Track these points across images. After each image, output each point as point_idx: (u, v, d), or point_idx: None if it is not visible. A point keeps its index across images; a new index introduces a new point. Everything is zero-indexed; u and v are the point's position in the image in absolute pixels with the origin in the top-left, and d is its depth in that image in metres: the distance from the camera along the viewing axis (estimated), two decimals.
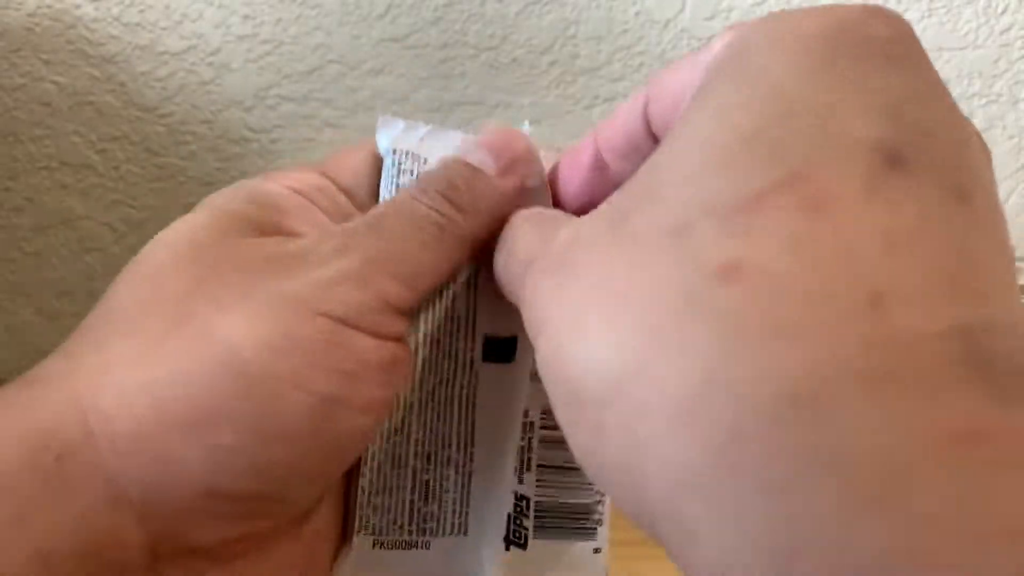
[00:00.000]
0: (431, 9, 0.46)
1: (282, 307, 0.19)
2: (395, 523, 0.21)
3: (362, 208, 0.23)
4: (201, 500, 0.18)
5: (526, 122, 0.24)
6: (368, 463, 0.22)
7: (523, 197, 0.21)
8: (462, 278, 0.22)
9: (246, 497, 0.18)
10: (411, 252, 0.20)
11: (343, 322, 0.19)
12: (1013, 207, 0.50)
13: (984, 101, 0.49)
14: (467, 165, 0.22)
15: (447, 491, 0.22)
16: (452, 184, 0.21)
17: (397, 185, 0.22)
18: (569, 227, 0.17)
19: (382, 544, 0.21)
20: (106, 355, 0.18)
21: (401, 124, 0.23)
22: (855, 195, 0.12)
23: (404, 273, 0.20)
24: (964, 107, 0.49)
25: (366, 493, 0.21)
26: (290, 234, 0.21)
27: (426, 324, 0.21)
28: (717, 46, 0.16)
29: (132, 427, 0.17)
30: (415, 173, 0.22)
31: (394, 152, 0.23)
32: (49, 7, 0.45)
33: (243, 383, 0.18)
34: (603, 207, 0.16)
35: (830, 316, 0.11)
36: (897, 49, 0.14)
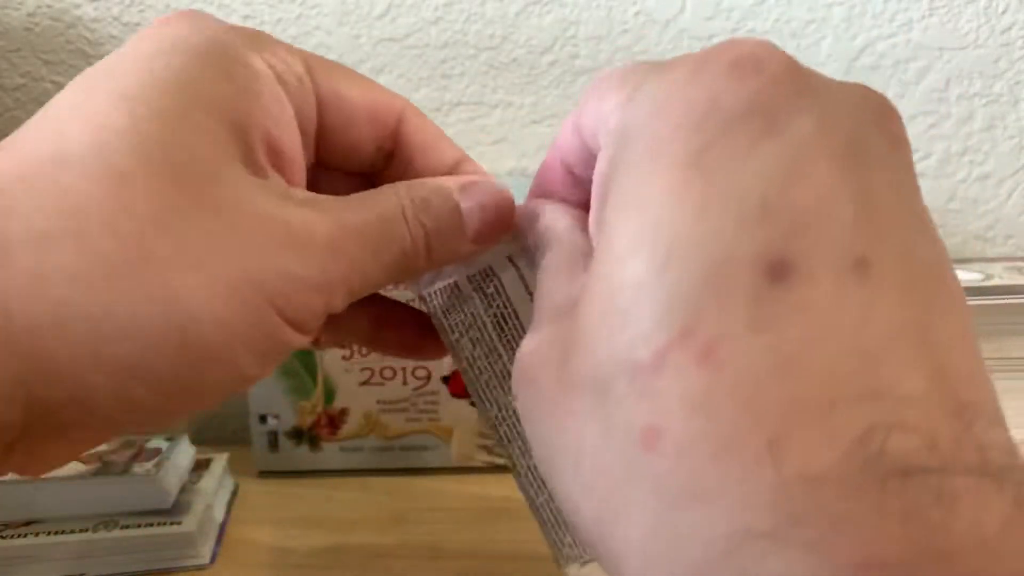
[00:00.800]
0: (431, 9, 0.46)
1: (241, 288, 0.19)
2: (575, 549, 0.24)
3: (323, 130, 0.23)
4: (94, 419, 0.18)
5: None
6: (539, 514, 0.24)
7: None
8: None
9: (140, 423, 0.19)
10: (373, 271, 0.21)
11: (287, 320, 0.20)
12: (1013, 207, 0.50)
13: (985, 101, 0.49)
14: (457, 212, 0.23)
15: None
16: (438, 223, 0.22)
17: None
18: (533, 344, 0.18)
19: (587, 562, 0.24)
20: (45, 262, 0.17)
21: None
22: (741, 331, 0.13)
23: (357, 290, 0.21)
24: (964, 107, 0.48)
25: (551, 531, 0.24)
26: (264, 140, 0.20)
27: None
28: (610, 122, 0.17)
29: (61, 358, 0.17)
30: None
31: None
32: (49, 7, 0.45)
33: (177, 347, 0.18)
34: (555, 330, 0.17)
35: (736, 474, 0.12)
36: (762, 111, 0.14)
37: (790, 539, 0.12)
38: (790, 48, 0.47)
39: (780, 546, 0.12)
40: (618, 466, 0.14)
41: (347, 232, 0.21)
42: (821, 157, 0.14)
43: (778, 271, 0.13)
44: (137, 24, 0.46)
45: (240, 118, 0.20)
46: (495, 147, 0.48)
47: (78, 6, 0.45)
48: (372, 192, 0.22)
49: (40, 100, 0.47)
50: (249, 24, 0.46)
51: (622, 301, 0.14)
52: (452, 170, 0.25)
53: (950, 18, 0.47)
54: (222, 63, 0.20)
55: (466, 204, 0.23)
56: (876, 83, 0.48)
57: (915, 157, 0.52)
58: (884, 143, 0.15)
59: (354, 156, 0.24)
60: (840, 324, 0.13)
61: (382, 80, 0.47)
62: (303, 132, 0.22)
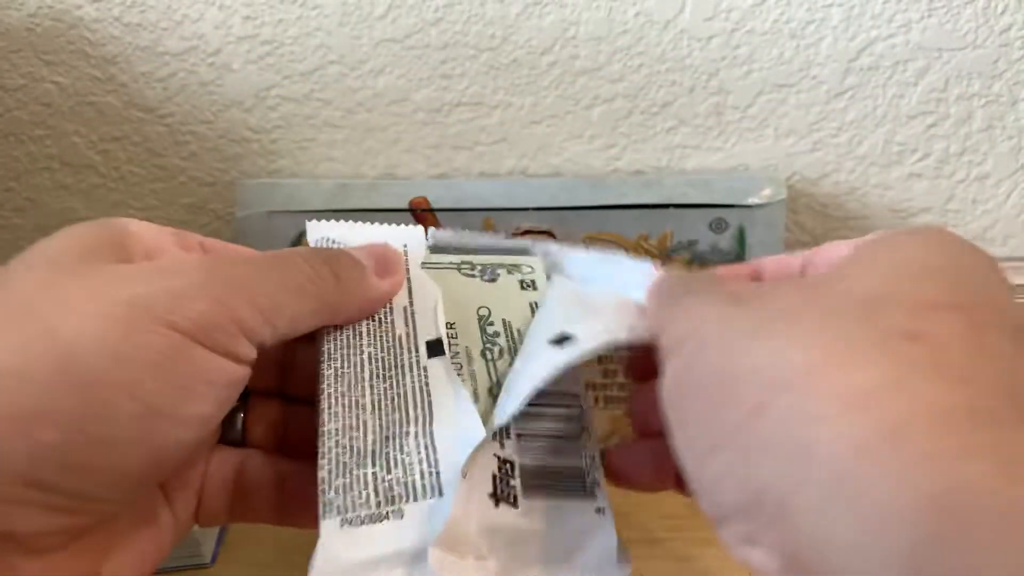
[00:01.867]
0: (431, 10, 0.46)
1: (129, 313, 0.19)
2: (360, 498, 0.21)
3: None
4: (21, 489, 0.18)
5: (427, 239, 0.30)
6: (325, 457, 0.22)
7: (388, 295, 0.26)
8: (399, 311, 0.26)
9: (66, 492, 0.19)
10: (275, 290, 0.21)
11: (190, 336, 0.19)
12: (1013, 207, 0.51)
13: (984, 101, 0.49)
14: (351, 255, 0.25)
15: (410, 459, 0.22)
16: (335, 257, 0.24)
17: None
18: (748, 284, 0.20)
19: (350, 522, 0.21)
20: None
21: (329, 223, 0.30)
22: (1007, 333, 0.16)
23: (263, 306, 0.21)
24: (963, 107, 0.49)
25: (325, 482, 0.22)
26: (146, 259, 0.23)
27: (371, 346, 0.25)
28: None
29: None
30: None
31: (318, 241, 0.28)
32: (50, 7, 0.45)
33: (77, 386, 0.18)
34: (779, 283, 0.19)
35: (983, 381, 0.15)
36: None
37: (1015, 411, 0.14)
38: (789, 48, 0.47)
39: (1005, 412, 0.14)
40: (865, 337, 0.16)
41: (233, 259, 0.22)
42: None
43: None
44: (138, 25, 0.46)
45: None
46: (495, 147, 0.49)
47: (79, 7, 0.45)
48: None
49: (41, 100, 0.47)
50: (249, 25, 0.46)
51: (906, 273, 0.18)
52: None
53: (949, 19, 0.47)
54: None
55: (357, 252, 0.25)
56: (875, 83, 0.48)
57: (914, 158, 0.52)
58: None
59: None
60: None
61: (382, 80, 0.47)
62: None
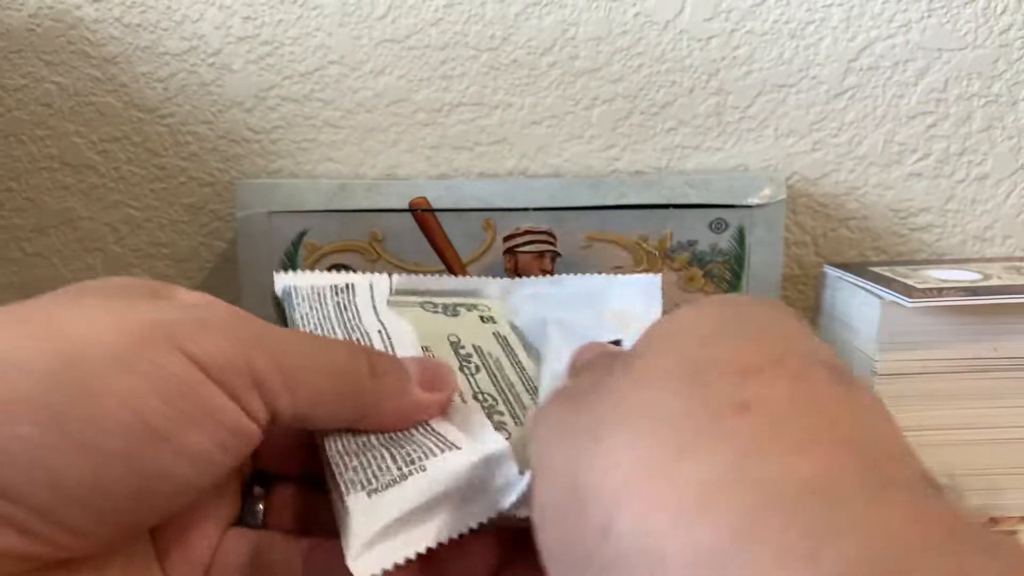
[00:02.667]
0: (431, 10, 0.46)
1: (147, 332, 0.18)
2: (379, 470, 0.22)
3: None
4: None
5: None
6: (334, 459, 0.22)
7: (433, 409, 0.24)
8: (374, 333, 0.26)
9: (30, 504, 0.16)
10: (302, 359, 0.21)
11: (203, 368, 0.18)
12: (1013, 207, 0.51)
13: (983, 101, 0.49)
14: (397, 361, 0.24)
15: (422, 441, 0.23)
16: (377, 355, 0.23)
17: (302, 315, 0.27)
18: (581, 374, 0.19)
19: (376, 490, 0.21)
20: None
21: (293, 273, 0.29)
22: (826, 376, 0.16)
23: (285, 367, 0.20)
24: (963, 107, 0.49)
25: (340, 466, 0.22)
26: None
27: None
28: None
29: None
30: (315, 309, 0.27)
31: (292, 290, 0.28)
32: (50, 8, 0.45)
33: (70, 381, 0.17)
34: (617, 361, 0.18)
35: (825, 440, 0.14)
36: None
37: (878, 491, 0.13)
38: (789, 49, 0.47)
39: (869, 490, 0.13)
40: (695, 422, 0.15)
41: (270, 324, 0.21)
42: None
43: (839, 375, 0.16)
44: (138, 25, 0.46)
45: None
46: (495, 147, 0.49)
47: (79, 7, 0.46)
48: None
49: (41, 101, 0.47)
50: (250, 25, 0.46)
51: (721, 327, 0.18)
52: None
53: (949, 19, 0.47)
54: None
55: (406, 361, 0.24)
56: (874, 83, 0.48)
57: (914, 158, 0.52)
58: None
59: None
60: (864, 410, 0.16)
61: (382, 81, 0.47)
62: None
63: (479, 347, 0.28)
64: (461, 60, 0.47)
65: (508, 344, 0.29)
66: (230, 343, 0.19)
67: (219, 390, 0.19)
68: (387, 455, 0.22)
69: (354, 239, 0.44)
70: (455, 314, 0.30)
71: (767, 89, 0.48)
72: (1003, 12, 0.47)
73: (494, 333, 0.29)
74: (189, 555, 0.22)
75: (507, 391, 0.26)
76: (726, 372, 0.16)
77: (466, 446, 0.22)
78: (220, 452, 0.19)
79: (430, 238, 0.44)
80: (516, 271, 0.45)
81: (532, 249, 0.45)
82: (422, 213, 0.44)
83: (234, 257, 0.47)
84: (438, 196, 0.44)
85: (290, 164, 0.49)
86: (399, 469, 0.21)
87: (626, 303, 0.30)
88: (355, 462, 0.22)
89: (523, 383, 0.27)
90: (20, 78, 0.46)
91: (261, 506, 0.24)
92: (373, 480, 0.21)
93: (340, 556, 0.20)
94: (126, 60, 0.47)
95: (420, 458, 0.22)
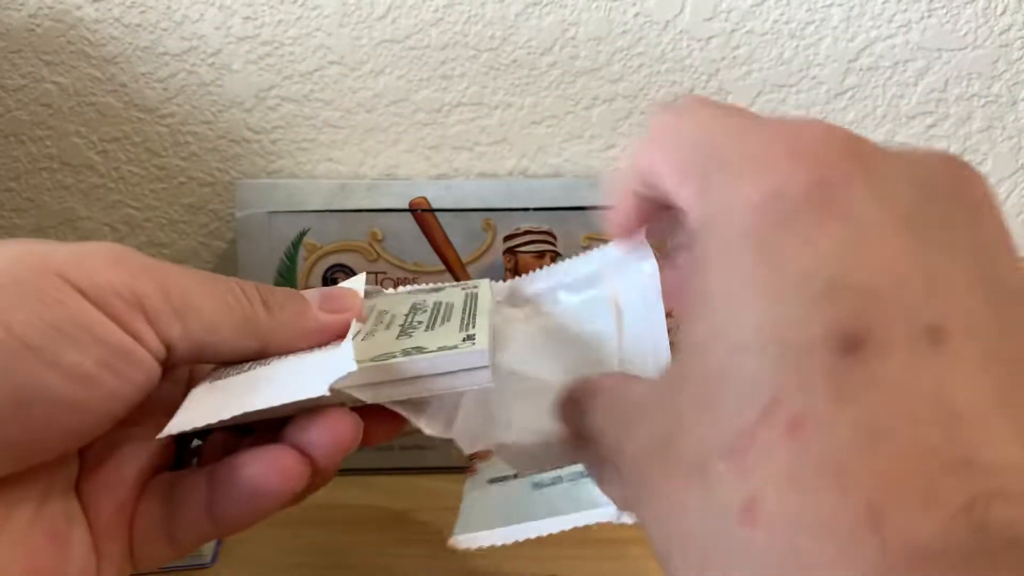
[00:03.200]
0: (431, 10, 0.46)
1: (23, 256, 0.18)
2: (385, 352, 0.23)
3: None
4: None
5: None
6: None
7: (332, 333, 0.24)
8: None
9: None
10: (193, 290, 0.21)
11: (79, 290, 0.19)
12: (1013, 207, 0.51)
13: (983, 102, 0.49)
14: (295, 292, 0.24)
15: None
16: (270, 290, 0.23)
17: None
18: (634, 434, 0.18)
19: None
20: None
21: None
22: (823, 406, 0.13)
23: (175, 296, 0.20)
24: (963, 108, 0.49)
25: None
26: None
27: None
28: (692, 210, 0.17)
29: None
30: None
31: None
32: (50, 8, 0.45)
33: None
34: (651, 426, 0.17)
35: (837, 548, 0.12)
36: (822, 197, 0.15)
37: None
38: (789, 49, 0.47)
39: None
40: (721, 547, 0.14)
41: (147, 257, 0.21)
42: (883, 233, 0.14)
43: (851, 345, 0.13)
44: (138, 25, 0.46)
45: None
46: (495, 148, 0.49)
47: (79, 7, 0.45)
48: None
49: (41, 101, 0.47)
50: (249, 25, 0.46)
51: (709, 388, 0.15)
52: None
53: (949, 19, 0.47)
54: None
55: (305, 291, 0.25)
56: (874, 84, 0.48)
57: None
58: (955, 210, 0.16)
59: None
60: (918, 393, 0.13)
61: (382, 81, 0.47)
62: None
63: (439, 303, 0.28)
64: (461, 60, 0.47)
65: (475, 299, 0.28)
66: (111, 270, 0.19)
67: (97, 311, 0.19)
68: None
69: (354, 239, 0.44)
70: (438, 289, 0.30)
71: (767, 89, 0.48)
72: (1003, 12, 0.47)
73: (467, 294, 0.28)
74: (110, 495, 0.22)
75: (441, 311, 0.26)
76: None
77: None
78: (110, 375, 0.19)
79: (430, 238, 0.44)
80: (516, 271, 0.45)
81: (532, 249, 0.45)
82: (422, 213, 0.44)
83: (234, 257, 0.47)
84: (438, 196, 0.44)
85: (290, 164, 0.49)
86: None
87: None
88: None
89: (465, 307, 0.27)
90: (20, 78, 0.46)
91: (196, 460, 0.25)
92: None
93: (237, 468, 0.21)
94: (126, 60, 0.47)
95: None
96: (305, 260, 0.44)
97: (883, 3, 0.47)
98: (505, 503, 0.22)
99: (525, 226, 0.44)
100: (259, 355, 0.23)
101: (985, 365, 0.13)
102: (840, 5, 0.47)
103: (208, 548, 0.37)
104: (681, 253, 0.19)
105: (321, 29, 0.46)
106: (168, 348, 0.21)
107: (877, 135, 0.49)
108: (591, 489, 0.22)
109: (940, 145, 0.49)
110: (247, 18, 0.46)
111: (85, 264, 0.19)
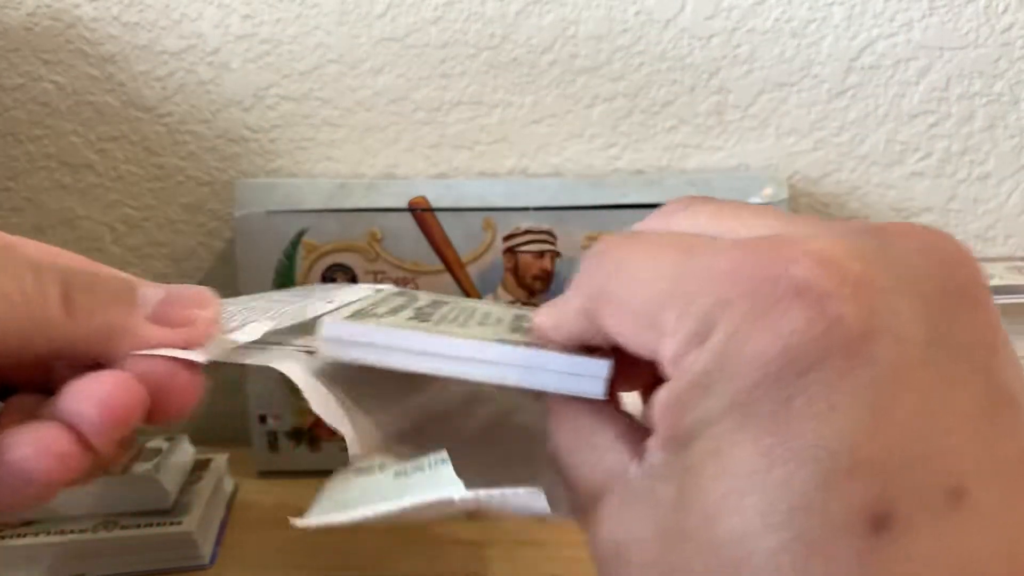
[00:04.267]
0: (431, 8, 0.46)
1: None
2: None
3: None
4: None
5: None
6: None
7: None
8: None
9: None
10: None
11: None
12: (1014, 207, 0.50)
13: (985, 101, 0.49)
14: (129, 287, 0.20)
15: None
16: (75, 279, 0.19)
17: None
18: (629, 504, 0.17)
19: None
20: None
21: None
22: None
23: None
24: (965, 106, 0.48)
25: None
26: None
27: None
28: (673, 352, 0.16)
29: None
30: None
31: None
32: (48, 7, 0.45)
33: None
34: (654, 484, 0.16)
35: None
36: (834, 355, 0.14)
37: None
38: (790, 47, 0.47)
39: None
40: None
41: None
42: (901, 386, 0.14)
43: (878, 524, 0.13)
44: (136, 24, 0.46)
45: None
46: (495, 147, 0.48)
47: (78, 6, 0.45)
48: None
49: (39, 100, 0.47)
50: (248, 24, 0.46)
51: (720, 558, 0.14)
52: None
53: (950, 18, 0.47)
54: None
55: (148, 289, 0.20)
56: (876, 82, 0.48)
57: (915, 157, 0.52)
58: (959, 309, 0.15)
59: None
60: (945, 564, 0.13)
61: (382, 79, 0.47)
62: None
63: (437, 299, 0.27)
64: (461, 59, 0.47)
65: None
66: None
67: None
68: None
69: (353, 239, 0.44)
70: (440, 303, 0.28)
71: (768, 88, 0.48)
72: (1005, 11, 0.47)
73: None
74: None
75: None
76: None
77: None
78: None
79: (429, 238, 0.44)
80: (516, 271, 0.44)
81: (532, 249, 0.44)
82: (421, 212, 0.44)
83: (232, 257, 0.47)
84: (438, 195, 0.44)
85: (289, 163, 0.49)
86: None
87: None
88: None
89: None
90: (18, 77, 0.46)
91: None
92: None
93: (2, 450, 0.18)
94: (124, 59, 0.46)
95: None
96: (304, 260, 0.44)
97: (885, 2, 0.47)
98: (361, 491, 0.20)
99: (525, 225, 0.44)
100: (45, 362, 0.20)
101: (1001, 520, 0.13)
102: (841, 3, 0.47)
103: (207, 549, 0.37)
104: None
105: (320, 27, 0.46)
106: None
107: (879, 134, 0.49)
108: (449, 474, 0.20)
109: (942, 144, 0.49)
110: (246, 16, 0.46)
111: None
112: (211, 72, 0.47)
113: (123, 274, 0.21)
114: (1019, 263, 0.46)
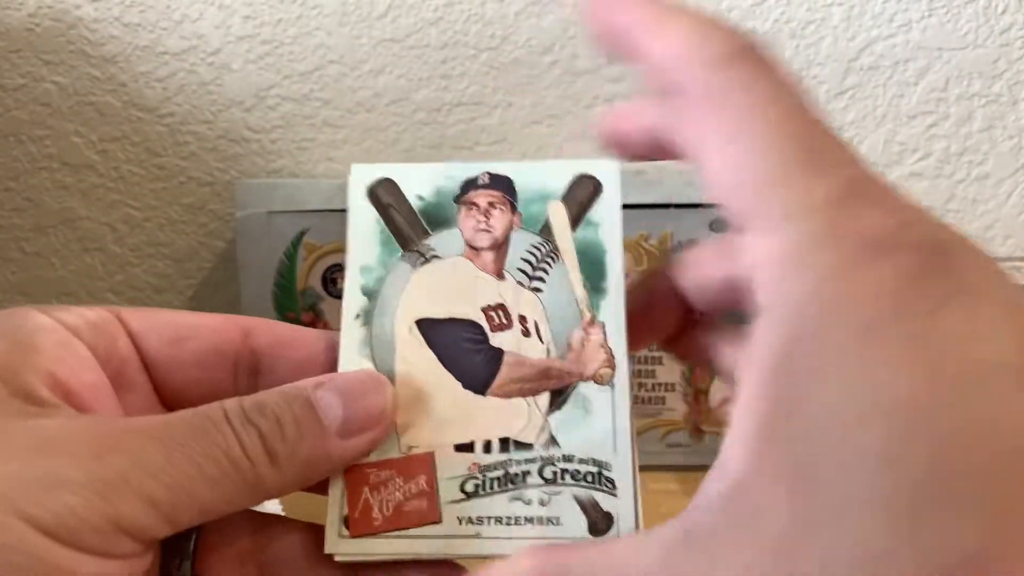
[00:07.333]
0: (431, 9, 0.46)
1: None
2: None
3: (151, 360, 0.21)
4: None
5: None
6: None
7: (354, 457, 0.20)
8: None
9: None
10: (183, 481, 0.17)
11: (46, 531, 0.16)
12: (1014, 207, 0.51)
13: (984, 101, 0.49)
14: (309, 406, 0.19)
15: None
16: (279, 423, 0.19)
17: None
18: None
19: None
20: None
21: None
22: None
23: (161, 500, 0.17)
24: (964, 107, 0.49)
25: None
26: (46, 379, 0.19)
27: None
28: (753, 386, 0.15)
29: None
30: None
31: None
32: (50, 7, 0.45)
33: None
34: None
35: None
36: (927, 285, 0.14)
37: None
38: (789, 48, 0.47)
39: None
40: None
41: (129, 433, 0.18)
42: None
43: None
44: (138, 24, 0.46)
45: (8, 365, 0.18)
46: (495, 147, 0.49)
47: (79, 7, 0.45)
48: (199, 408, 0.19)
49: (40, 100, 0.47)
50: (249, 24, 0.46)
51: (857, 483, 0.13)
52: (323, 356, 0.22)
53: (949, 18, 0.47)
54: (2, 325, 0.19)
55: (322, 395, 0.19)
56: (875, 83, 0.48)
57: (914, 157, 0.52)
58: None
59: (210, 377, 0.21)
60: None
61: (382, 80, 0.47)
62: (108, 363, 0.20)
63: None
64: (461, 59, 0.47)
65: None
66: (85, 497, 0.17)
67: (70, 551, 0.17)
68: None
69: None
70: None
71: None
72: (1004, 12, 0.47)
73: None
74: None
75: None
76: None
77: None
78: None
79: None
80: None
81: None
82: None
83: (233, 257, 0.47)
84: None
85: (290, 164, 0.49)
86: None
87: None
88: None
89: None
90: (19, 78, 0.46)
91: (189, 565, 0.21)
92: None
93: None
94: (125, 59, 0.47)
95: None
96: (305, 260, 0.44)
97: (883, 2, 0.47)
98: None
99: None
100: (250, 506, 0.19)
101: None
102: (840, 4, 0.47)
103: None
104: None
105: (321, 28, 0.46)
106: (150, 545, 0.18)
107: (878, 134, 0.49)
108: None
109: (940, 145, 0.49)
110: (247, 17, 0.46)
111: (50, 497, 0.16)
112: (212, 73, 0.47)
113: (289, 386, 0.20)
114: (1018, 263, 0.46)
